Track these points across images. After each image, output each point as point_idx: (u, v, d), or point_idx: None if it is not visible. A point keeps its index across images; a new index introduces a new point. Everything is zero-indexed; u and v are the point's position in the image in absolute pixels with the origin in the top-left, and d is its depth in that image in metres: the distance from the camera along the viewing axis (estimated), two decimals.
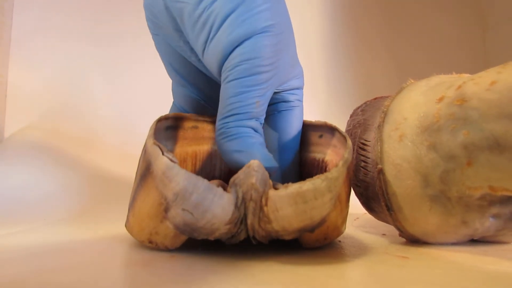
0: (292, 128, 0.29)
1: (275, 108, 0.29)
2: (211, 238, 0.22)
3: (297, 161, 0.30)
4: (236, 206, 0.20)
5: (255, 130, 0.25)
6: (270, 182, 0.21)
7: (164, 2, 0.26)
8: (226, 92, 0.25)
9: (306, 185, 0.20)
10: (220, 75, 0.26)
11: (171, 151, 0.29)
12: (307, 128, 0.30)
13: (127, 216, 0.25)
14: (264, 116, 0.26)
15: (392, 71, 0.75)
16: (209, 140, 0.31)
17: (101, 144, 0.59)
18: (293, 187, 0.20)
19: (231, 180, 0.21)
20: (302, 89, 0.30)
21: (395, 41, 0.77)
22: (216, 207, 0.20)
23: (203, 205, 0.20)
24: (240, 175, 0.21)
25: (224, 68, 0.25)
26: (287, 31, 0.27)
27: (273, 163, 0.24)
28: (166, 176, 0.20)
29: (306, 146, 0.30)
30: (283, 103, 0.29)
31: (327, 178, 0.21)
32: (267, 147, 0.29)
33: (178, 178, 0.20)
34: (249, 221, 0.21)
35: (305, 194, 0.20)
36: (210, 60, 0.26)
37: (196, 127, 0.31)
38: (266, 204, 0.20)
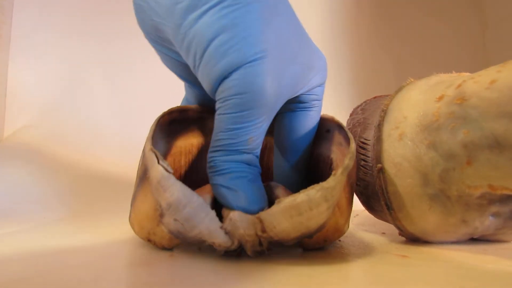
0: (304, 130, 0.28)
1: (290, 107, 0.28)
2: (203, 246, 0.22)
3: (305, 160, 0.29)
4: (231, 246, 0.21)
5: (248, 164, 0.23)
6: (257, 217, 0.21)
7: (151, 23, 0.25)
8: (217, 125, 0.23)
9: (300, 197, 0.20)
10: (215, 98, 0.24)
11: (175, 144, 0.29)
12: None
13: (130, 211, 0.25)
14: (260, 148, 0.24)
15: (391, 70, 0.75)
16: None
17: (100, 143, 0.59)
18: (287, 201, 0.20)
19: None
20: (323, 84, 0.28)
21: (394, 40, 0.77)
22: (204, 227, 0.20)
23: (194, 221, 0.20)
24: (227, 227, 0.21)
25: (216, 96, 0.23)
26: (289, 45, 0.24)
27: (259, 204, 0.22)
28: (161, 185, 0.20)
29: (313, 140, 0.30)
30: (299, 104, 0.27)
31: (323, 188, 0.20)
32: (276, 143, 0.29)
33: (173, 189, 0.20)
34: (249, 252, 0.21)
35: (299, 206, 0.20)
36: (203, 85, 0.24)
37: (202, 118, 0.30)
38: (264, 231, 0.21)
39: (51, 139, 0.55)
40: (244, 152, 0.23)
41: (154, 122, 0.25)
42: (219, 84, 0.22)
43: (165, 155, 0.29)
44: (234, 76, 0.22)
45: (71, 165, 0.51)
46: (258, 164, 0.24)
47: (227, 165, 0.23)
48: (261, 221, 0.21)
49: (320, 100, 0.28)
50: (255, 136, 0.23)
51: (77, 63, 0.62)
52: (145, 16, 0.25)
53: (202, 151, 0.31)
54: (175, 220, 0.20)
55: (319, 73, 0.27)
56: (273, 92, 0.23)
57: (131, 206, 0.25)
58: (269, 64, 0.22)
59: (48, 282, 0.17)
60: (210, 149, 0.23)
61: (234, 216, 0.21)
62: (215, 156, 0.23)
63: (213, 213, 0.20)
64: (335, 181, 0.21)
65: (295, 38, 0.25)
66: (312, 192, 0.20)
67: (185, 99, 0.32)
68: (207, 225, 0.20)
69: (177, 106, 0.29)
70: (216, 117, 0.23)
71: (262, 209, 0.22)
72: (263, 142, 0.25)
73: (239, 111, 0.22)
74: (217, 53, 0.21)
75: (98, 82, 0.63)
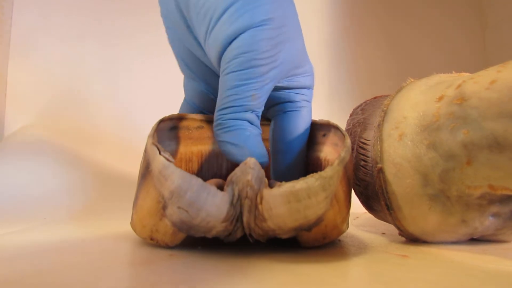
0: (297, 130, 0.29)
1: (281, 109, 0.29)
2: (209, 236, 0.22)
3: (302, 162, 0.29)
4: (231, 203, 0.21)
5: (251, 122, 0.25)
6: (266, 180, 0.21)
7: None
8: (223, 84, 0.25)
9: (299, 184, 0.20)
10: (219, 66, 0.26)
11: (175, 150, 0.30)
12: (312, 126, 0.30)
13: (132, 214, 0.25)
14: (262, 108, 0.26)
15: (392, 70, 0.75)
16: (215, 140, 0.31)
17: (102, 142, 0.59)
18: (286, 186, 0.20)
19: (229, 177, 0.21)
20: (312, 89, 0.30)
21: (395, 40, 0.77)
22: (210, 205, 0.20)
23: (198, 203, 0.20)
24: (237, 172, 0.21)
25: (222, 60, 0.25)
26: (290, 25, 0.27)
27: (264, 158, 0.25)
28: (163, 175, 0.21)
29: (311, 145, 0.30)
30: (290, 103, 0.29)
31: (321, 177, 0.21)
32: (272, 146, 0.30)
33: (173, 177, 0.20)
34: (245, 219, 0.21)
35: (298, 193, 0.20)
36: (210, 51, 0.26)
37: (201, 127, 0.31)
38: (261, 202, 0.21)
39: (52, 138, 0.55)
40: (249, 110, 0.25)
41: (155, 123, 0.26)
42: (228, 44, 0.25)
43: None
44: (241, 37, 0.24)
45: (72, 164, 0.51)
46: (259, 125, 0.26)
47: (233, 123, 0.25)
48: (261, 198, 0.20)
49: (309, 101, 0.30)
50: (259, 93, 0.25)
51: (78, 61, 0.62)
52: None
53: (202, 160, 0.31)
54: (179, 208, 0.20)
55: (307, 74, 0.29)
56: (275, 55, 0.25)
57: (133, 208, 0.25)
58: (273, 31, 0.25)
59: (48, 281, 0.17)
60: (217, 108, 0.25)
61: (251, 161, 0.21)
62: (222, 114, 0.25)
63: (213, 188, 0.20)
64: (333, 171, 0.21)
65: (297, 25, 0.28)
66: (311, 180, 0.20)
67: (184, 101, 0.33)
68: (212, 201, 0.20)
69: (177, 114, 0.29)
70: (221, 78, 0.25)
71: (266, 163, 0.25)
72: None
73: (244, 68, 0.24)
74: (231, 18, 0.24)
75: (98, 81, 0.63)
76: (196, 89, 0.31)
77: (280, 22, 0.25)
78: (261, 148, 0.25)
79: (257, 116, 0.26)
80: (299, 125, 0.29)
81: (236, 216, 0.21)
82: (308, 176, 0.21)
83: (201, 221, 0.21)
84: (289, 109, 0.29)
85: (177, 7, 0.27)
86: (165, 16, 0.29)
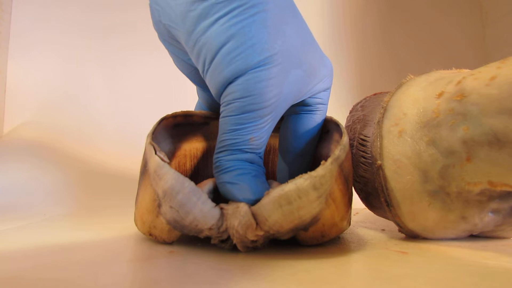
0: (308, 132, 0.28)
1: (295, 110, 0.28)
2: (201, 236, 0.22)
3: (308, 162, 0.29)
4: (220, 221, 0.21)
5: (251, 162, 0.24)
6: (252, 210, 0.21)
7: (165, 26, 0.26)
8: (221, 127, 0.24)
9: (288, 187, 0.20)
10: (220, 102, 0.25)
11: (180, 147, 0.30)
12: None
13: (134, 211, 0.26)
14: (263, 148, 0.25)
15: (391, 66, 0.75)
16: None
17: (100, 139, 0.59)
18: (275, 191, 0.20)
19: (226, 207, 0.22)
20: (329, 89, 0.29)
21: (395, 37, 0.77)
22: (198, 211, 0.21)
23: (187, 206, 0.20)
24: (229, 210, 0.21)
25: (221, 100, 0.24)
26: (293, 51, 0.24)
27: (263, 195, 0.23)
28: (157, 174, 0.21)
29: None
30: (304, 107, 0.28)
31: (311, 177, 0.21)
32: (280, 144, 0.30)
33: (167, 177, 0.21)
34: (238, 247, 0.22)
35: (288, 195, 0.20)
36: (210, 88, 0.25)
37: (207, 124, 0.31)
38: (259, 229, 0.21)
39: (51, 135, 0.55)
40: (247, 152, 0.24)
41: (157, 122, 0.26)
42: (225, 88, 0.24)
43: (170, 156, 0.29)
44: (238, 81, 0.23)
45: (71, 161, 0.51)
46: (261, 164, 0.25)
47: (231, 164, 0.24)
48: (254, 215, 0.21)
49: (325, 104, 0.29)
50: (257, 136, 0.24)
51: (77, 58, 0.62)
52: (159, 20, 0.26)
53: (207, 156, 0.31)
54: (171, 207, 0.21)
55: (324, 79, 0.28)
56: (274, 96, 0.24)
57: (135, 204, 0.25)
58: (272, 70, 0.23)
59: (48, 277, 0.17)
60: (216, 151, 0.24)
61: (243, 209, 0.21)
62: (220, 156, 0.24)
63: (205, 195, 0.21)
64: (324, 170, 0.21)
65: (301, 46, 0.25)
66: (300, 180, 0.20)
67: (198, 103, 0.33)
68: (200, 208, 0.20)
69: (182, 111, 0.30)
70: (220, 120, 0.24)
71: None
72: (267, 146, 0.26)
73: (240, 113, 0.23)
74: (225, 60, 0.23)
75: (98, 78, 0.63)
76: (206, 97, 0.31)
77: (279, 57, 0.23)
78: (261, 186, 0.23)
79: (259, 156, 0.25)
80: (311, 128, 0.29)
81: (224, 232, 0.22)
82: (297, 177, 0.21)
83: (190, 223, 0.21)
84: (303, 112, 0.28)
85: (169, 33, 0.26)
86: (161, 39, 0.28)
